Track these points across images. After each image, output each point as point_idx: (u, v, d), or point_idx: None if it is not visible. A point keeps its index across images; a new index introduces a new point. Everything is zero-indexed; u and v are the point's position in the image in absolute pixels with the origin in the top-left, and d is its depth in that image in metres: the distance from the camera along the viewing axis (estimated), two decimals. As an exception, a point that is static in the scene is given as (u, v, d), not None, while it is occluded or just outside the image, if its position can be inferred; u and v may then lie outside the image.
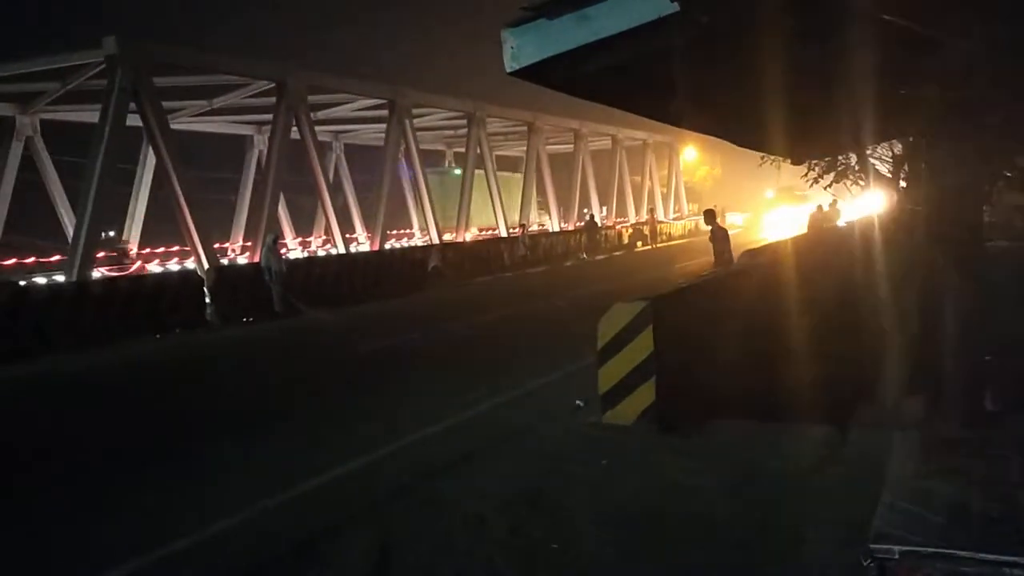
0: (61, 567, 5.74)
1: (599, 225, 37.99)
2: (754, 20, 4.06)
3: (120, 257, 25.51)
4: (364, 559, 5.19)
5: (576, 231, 36.44)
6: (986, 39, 4.44)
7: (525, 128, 37.37)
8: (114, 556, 5.61)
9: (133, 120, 20.34)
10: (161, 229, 26.43)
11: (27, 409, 10.98)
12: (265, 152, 26.55)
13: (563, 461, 6.71)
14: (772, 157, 14.65)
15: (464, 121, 33.65)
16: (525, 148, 37.87)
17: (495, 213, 35.02)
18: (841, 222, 20.69)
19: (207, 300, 17.88)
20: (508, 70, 4.31)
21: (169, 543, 5.74)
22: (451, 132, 37.34)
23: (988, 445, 4.52)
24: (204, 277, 18.44)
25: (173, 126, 22.49)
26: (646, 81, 5.01)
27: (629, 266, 28.36)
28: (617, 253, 36.22)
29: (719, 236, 14.84)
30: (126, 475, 7.54)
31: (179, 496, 6.86)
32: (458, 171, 37.05)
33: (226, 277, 18.79)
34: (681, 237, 43.58)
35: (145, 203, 26.43)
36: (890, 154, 11.54)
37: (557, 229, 38.12)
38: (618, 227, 41.52)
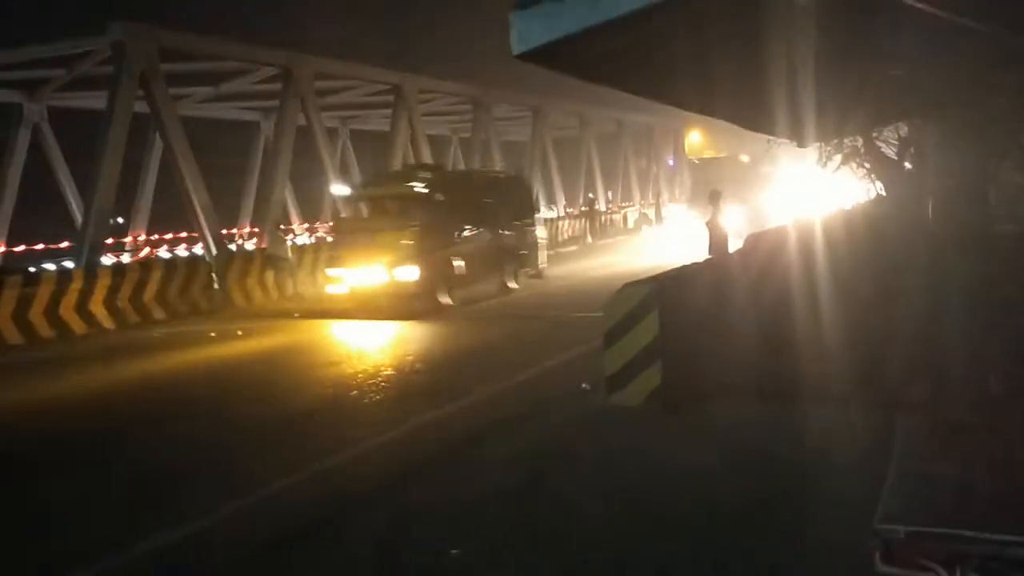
0: None
1: (600, 210, 38.03)
2: (761, 1, 4.05)
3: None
4: (375, 539, 5.25)
5: (578, 216, 36.45)
6: (1007, 21, 4.40)
7: (530, 113, 37.27)
8: None
9: (141, 107, 20.33)
10: (169, 214, 26.43)
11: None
12: (272, 138, 26.51)
13: (570, 443, 6.76)
14: (779, 140, 14.58)
15: (470, 106, 33.63)
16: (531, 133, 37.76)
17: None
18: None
19: (215, 286, 17.92)
20: (515, 53, 4.32)
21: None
22: (456, 117, 37.28)
23: (993, 427, 4.54)
24: (212, 263, 18.48)
25: (180, 112, 22.46)
26: (652, 63, 5.01)
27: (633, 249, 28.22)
28: (622, 237, 36.20)
29: (717, 219, 14.78)
30: None
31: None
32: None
33: (233, 262, 18.80)
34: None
35: (152, 189, 26.43)
36: (896, 136, 11.47)
37: (562, 214, 38.08)
38: (623, 210, 41.54)
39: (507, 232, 17.78)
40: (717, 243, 14.51)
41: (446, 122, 39.08)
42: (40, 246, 26.20)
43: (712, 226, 14.84)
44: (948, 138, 5.37)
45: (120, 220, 26.58)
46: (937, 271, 5.55)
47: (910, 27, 4.61)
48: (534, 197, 21.92)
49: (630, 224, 39.79)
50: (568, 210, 39.11)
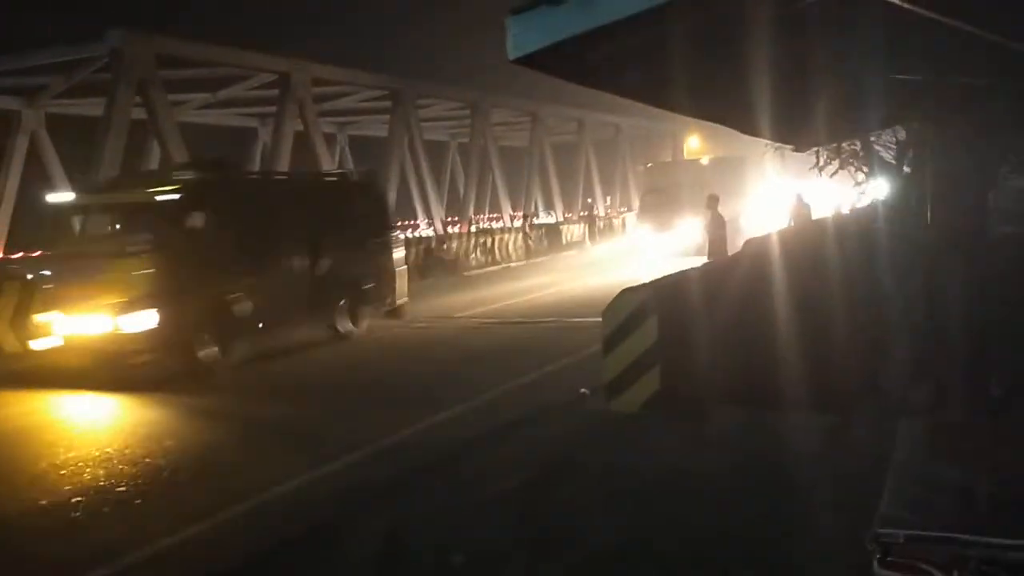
0: None
1: (599, 214, 38.32)
2: (758, 4, 4.05)
3: None
4: (379, 542, 5.24)
5: (577, 221, 36.63)
6: (999, 25, 4.40)
7: (529, 118, 37.35)
8: None
9: (139, 113, 20.36)
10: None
11: None
12: (270, 144, 26.56)
13: (570, 449, 6.74)
14: (776, 144, 14.59)
15: (468, 111, 33.73)
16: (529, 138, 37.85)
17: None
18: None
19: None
20: (510, 57, 4.29)
21: None
22: (455, 122, 37.37)
23: (993, 431, 4.52)
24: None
25: (178, 119, 22.49)
26: (649, 68, 5.00)
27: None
28: (618, 240, 36.30)
29: (716, 224, 14.82)
30: None
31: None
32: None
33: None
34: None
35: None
36: (894, 140, 11.49)
37: (561, 219, 38.20)
38: (621, 215, 41.71)
39: (342, 256, 12.75)
40: (715, 247, 14.55)
41: (445, 128, 39.18)
42: (38, 253, 26.15)
43: (711, 230, 14.89)
44: (948, 142, 5.36)
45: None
46: (937, 274, 5.54)
47: (911, 33, 4.61)
48: (389, 208, 16.84)
49: (628, 229, 39.91)
50: (567, 215, 39.26)
